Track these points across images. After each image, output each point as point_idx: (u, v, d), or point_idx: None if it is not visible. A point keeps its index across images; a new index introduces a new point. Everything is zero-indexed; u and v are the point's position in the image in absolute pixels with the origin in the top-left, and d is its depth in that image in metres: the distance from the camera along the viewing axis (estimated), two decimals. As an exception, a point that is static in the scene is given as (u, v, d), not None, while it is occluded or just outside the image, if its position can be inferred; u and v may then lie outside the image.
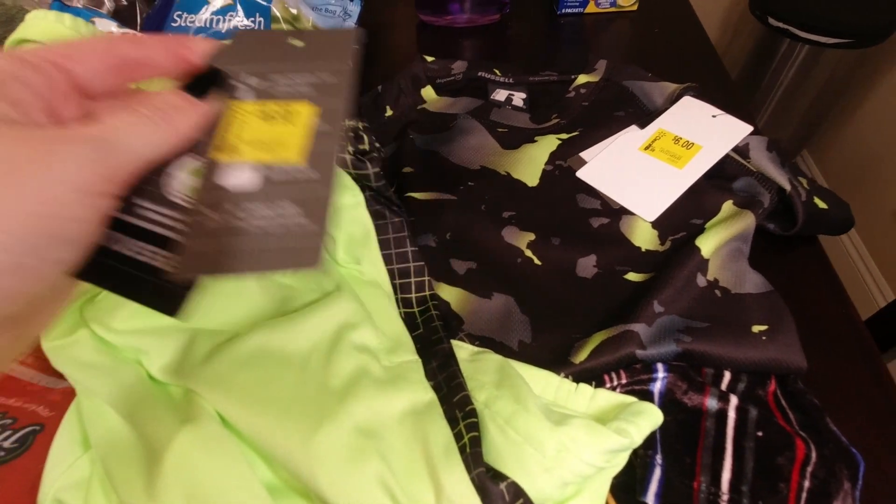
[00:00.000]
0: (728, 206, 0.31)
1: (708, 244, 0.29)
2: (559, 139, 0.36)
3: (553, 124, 0.38)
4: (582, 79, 0.41)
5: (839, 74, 1.08)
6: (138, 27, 0.41)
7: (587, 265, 0.30)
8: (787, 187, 0.31)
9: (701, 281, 0.28)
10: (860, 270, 1.19)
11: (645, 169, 0.34)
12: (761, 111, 1.19)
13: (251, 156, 0.17)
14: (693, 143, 0.34)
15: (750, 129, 0.34)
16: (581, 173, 0.34)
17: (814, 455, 0.22)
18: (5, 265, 0.11)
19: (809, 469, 0.21)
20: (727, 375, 0.25)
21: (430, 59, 0.42)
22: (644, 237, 0.31)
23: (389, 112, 0.40)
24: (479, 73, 0.42)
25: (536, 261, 0.30)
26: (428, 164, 0.36)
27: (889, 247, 1.13)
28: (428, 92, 0.41)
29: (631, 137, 0.36)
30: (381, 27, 0.51)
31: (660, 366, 0.24)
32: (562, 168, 0.35)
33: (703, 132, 0.34)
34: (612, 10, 0.52)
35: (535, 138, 0.37)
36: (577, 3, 0.52)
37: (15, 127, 0.12)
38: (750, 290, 0.28)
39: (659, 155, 0.34)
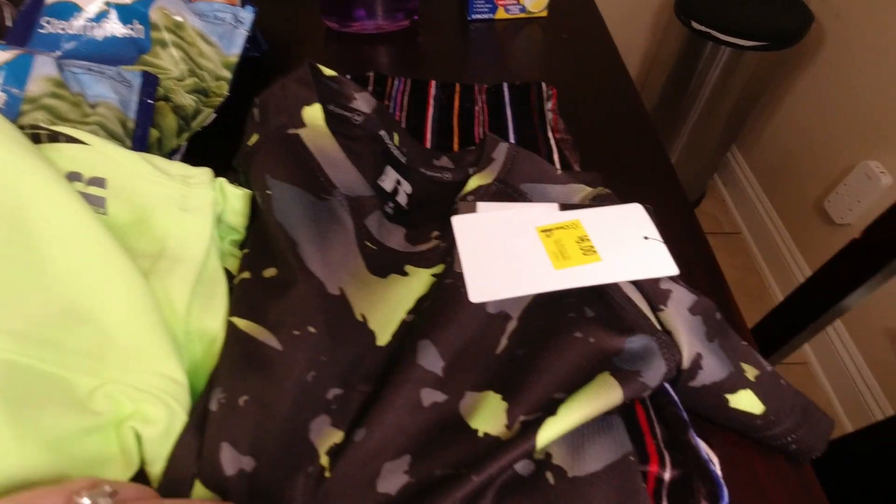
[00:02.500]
0: (604, 378, 0.23)
1: (550, 430, 0.22)
2: (434, 276, 0.28)
3: (431, 248, 0.30)
4: (473, 183, 0.32)
5: (759, 75, 1.14)
6: (2, 35, 0.38)
7: (395, 473, 0.22)
8: (685, 363, 0.24)
9: (524, 467, 0.22)
10: (786, 258, 1.25)
11: (522, 250, 0.28)
12: (690, 112, 1.24)
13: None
14: (595, 252, 0.28)
15: (675, 271, 0.28)
16: (455, 220, 0.29)
17: (667, 475, 0.22)
18: None
19: (664, 493, 0.21)
20: None
21: (329, 72, 0.33)
22: (487, 416, 0.23)
23: (254, 139, 0.30)
24: (381, 132, 0.33)
25: (327, 472, 0.22)
26: (277, 253, 0.26)
27: (811, 235, 1.19)
28: (313, 112, 0.30)
29: (541, 213, 0.30)
30: (284, 36, 0.50)
31: None
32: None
33: (618, 247, 0.28)
34: (522, 16, 0.52)
35: (406, 268, 0.29)
36: (487, 10, 0.51)
37: None
38: (594, 468, 0.21)
39: (548, 244, 0.29)
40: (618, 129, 0.43)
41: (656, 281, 0.27)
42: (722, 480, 0.22)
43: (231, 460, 0.21)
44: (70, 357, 0.19)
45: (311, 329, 0.24)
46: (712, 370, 0.25)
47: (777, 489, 0.25)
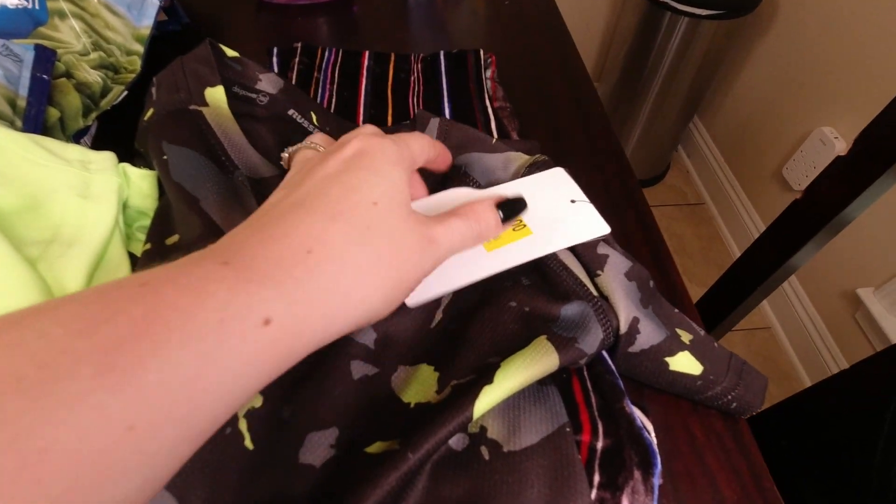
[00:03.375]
0: (540, 343, 0.22)
1: (486, 399, 0.20)
2: None
3: None
4: None
5: (717, 45, 1.14)
6: None
7: (320, 445, 0.21)
8: (623, 328, 0.24)
9: (458, 442, 0.21)
10: (748, 226, 1.28)
11: None
12: (652, 84, 1.24)
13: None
14: (525, 226, 0.26)
15: (606, 230, 0.27)
16: None
17: (600, 444, 0.21)
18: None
19: (597, 462, 0.21)
20: None
21: (231, 52, 0.31)
22: (418, 388, 0.22)
23: (149, 113, 0.28)
24: (290, 112, 0.31)
25: (248, 442, 0.20)
26: (179, 215, 0.25)
27: (771, 202, 1.22)
28: (217, 93, 0.29)
29: (464, 196, 0.26)
30: (213, 8, 0.46)
31: None
32: None
33: (547, 217, 0.27)
34: (464, -18, 0.50)
35: None
36: (427, -24, 0.49)
37: (414, 217, 0.19)
38: (529, 441, 0.20)
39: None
40: (560, 96, 0.41)
41: (593, 247, 0.26)
42: (655, 447, 0.22)
43: None
44: None
45: None
46: (649, 334, 0.24)
47: (714, 450, 0.25)
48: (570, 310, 0.24)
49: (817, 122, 1.06)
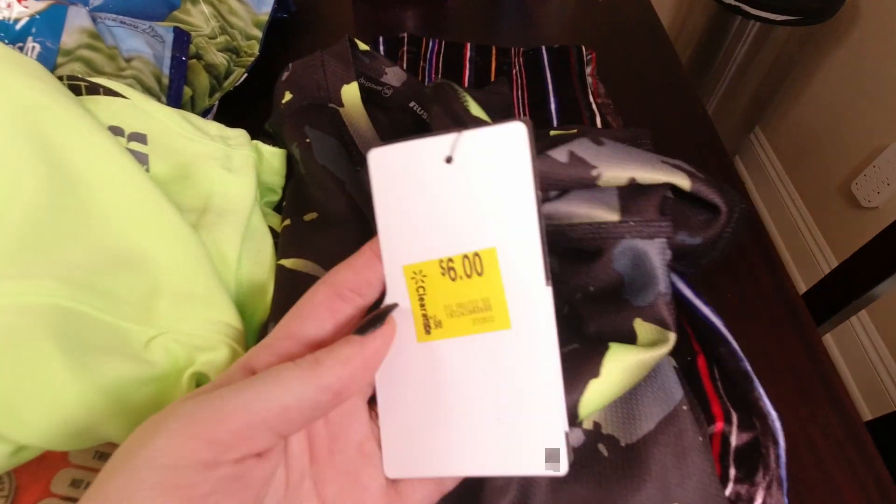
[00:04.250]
0: (640, 328, 0.19)
1: (594, 401, 0.18)
2: None
3: None
4: None
5: (788, 51, 1.10)
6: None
7: None
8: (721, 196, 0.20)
9: (575, 440, 0.20)
10: (808, 241, 1.23)
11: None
12: (714, 90, 1.21)
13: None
14: (477, 254, 0.16)
15: (522, 127, 0.16)
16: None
17: (734, 438, 0.21)
18: None
19: (731, 457, 0.21)
20: None
21: (363, 46, 0.32)
22: None
23: (287, 97, 0.29)
24: (411, 104, 0.32)
25: None
26: (322, 193, 0.26)
27: (834, 218, 1.17)
28: (351, 91, 0.29)
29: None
30: (312, -4, 0.48)
31: None
32: None
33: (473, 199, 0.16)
34: (556, -21, 0.50)
35: None
36: (520, -28, 0.49)
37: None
38: (646, 428, 0.19)
39: (454, 326, 0.16)
40: (658, 94, 0.41)
41: (562, 169, 0.20)
42: (782, 441, 0.21)
43: None
44: (120, 305, 0.19)
45: None
46: (644, 175, 0.20)
47: (836, 460, 0.24)
48: (618, 259, 0.20)
49: (894, 136, 1.01)
